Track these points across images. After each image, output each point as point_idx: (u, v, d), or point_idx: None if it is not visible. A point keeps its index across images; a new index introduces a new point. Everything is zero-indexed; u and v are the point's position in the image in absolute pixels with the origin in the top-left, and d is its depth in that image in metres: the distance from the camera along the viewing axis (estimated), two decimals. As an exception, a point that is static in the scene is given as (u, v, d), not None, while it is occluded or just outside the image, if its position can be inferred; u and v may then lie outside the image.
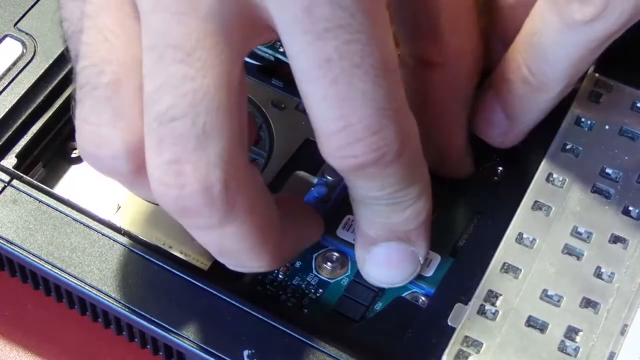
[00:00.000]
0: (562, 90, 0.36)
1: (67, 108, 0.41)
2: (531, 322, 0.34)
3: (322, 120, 0.31)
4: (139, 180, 0.32)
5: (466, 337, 0.34)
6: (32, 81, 0.41)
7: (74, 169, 0.41)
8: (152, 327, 0.35)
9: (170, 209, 0.31)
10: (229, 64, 0.30)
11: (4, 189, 0.38)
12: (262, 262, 0.34)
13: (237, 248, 0.33)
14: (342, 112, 0.30)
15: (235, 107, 0.30)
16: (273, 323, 0.35)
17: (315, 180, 0.39)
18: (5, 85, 0.40)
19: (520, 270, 0.35)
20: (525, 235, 0.36)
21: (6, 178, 0.38)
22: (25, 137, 0.40)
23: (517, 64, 0.36)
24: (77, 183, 0.41)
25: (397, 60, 0.32)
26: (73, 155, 0.42)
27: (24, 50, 0.41)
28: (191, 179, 0.30)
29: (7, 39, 0.42)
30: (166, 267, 0.36)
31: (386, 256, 0.36)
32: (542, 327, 0.34)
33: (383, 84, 0.30)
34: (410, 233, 0.35)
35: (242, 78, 0.31)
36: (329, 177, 0.39)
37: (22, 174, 0.39)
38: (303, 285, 0.38)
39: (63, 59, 0.41)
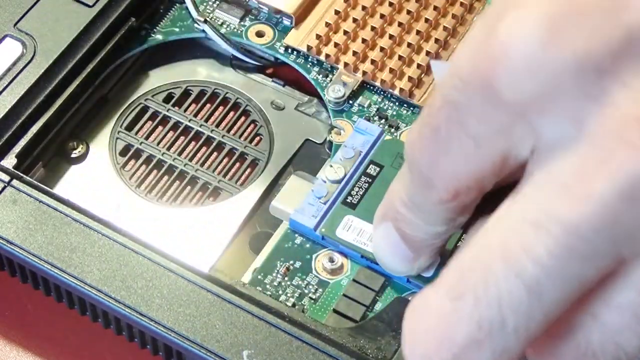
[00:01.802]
0: None
1: (68, 108, 0.41)
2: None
3: None
4: None
5: (466, 337, 0.34)
6: (32, 81, 0.41)
7: (74, 169, 0.41)
8: (152, 327, 0.35)
9: None
10: None
11: (4, 189, 0.38)
12: None
13: None
14: None
15: None
16: (273, 323, 0.35)
17: (315, 180, 0.39)
18: (5, 85, 0.40)
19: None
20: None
21: (6, 178, 0.38)
22: (25, 137, 0.40)
23: None
24: (77, 183, 0.41)
25: None
26: (73, 155, 0.42)
27: (24, 50, 0.41)
28: None
29: (7, 39, 0.42)
30: (166, 267, 0.36)
31: None
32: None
33: None
34: None
35: None
36: (329, 177, 0.39)
37: (22, 174, 0.39)
38: (303, 285, 0.38)
39: (63, 59, 0.41)
